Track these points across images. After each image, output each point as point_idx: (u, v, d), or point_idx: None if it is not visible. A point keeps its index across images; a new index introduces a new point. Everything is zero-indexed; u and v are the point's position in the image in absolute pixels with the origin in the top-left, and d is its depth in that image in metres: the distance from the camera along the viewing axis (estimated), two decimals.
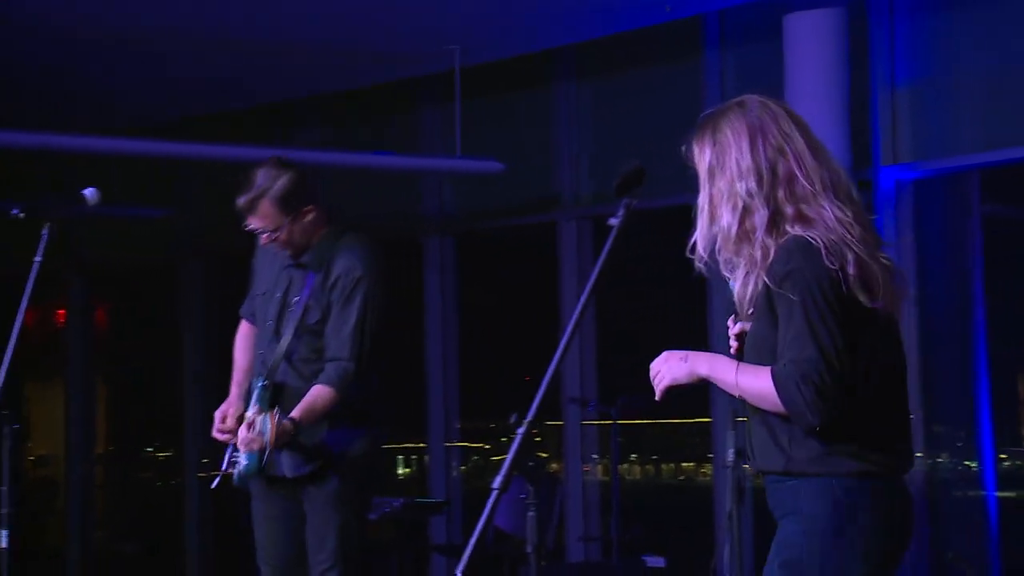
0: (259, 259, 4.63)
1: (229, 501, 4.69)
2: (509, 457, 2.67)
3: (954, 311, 7.07)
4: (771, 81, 6.75)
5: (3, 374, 3.67)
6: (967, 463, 7.11)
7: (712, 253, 2.96)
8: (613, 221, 2.91)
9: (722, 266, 2.96)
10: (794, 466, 2.85)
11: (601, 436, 7.95)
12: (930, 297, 6.89)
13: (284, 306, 4.44)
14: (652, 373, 2.94)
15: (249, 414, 4.39)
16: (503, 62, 7.92)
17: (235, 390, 4.56)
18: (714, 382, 2.89)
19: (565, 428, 7.99)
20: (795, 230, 2.87)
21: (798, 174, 2.90)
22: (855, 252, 2.85)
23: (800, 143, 2.94)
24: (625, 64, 7.84)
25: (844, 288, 2.81)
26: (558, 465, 8.15)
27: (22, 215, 3.90)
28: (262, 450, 4.31)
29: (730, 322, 3.03)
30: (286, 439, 4.30)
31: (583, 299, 2.86)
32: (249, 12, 6.99)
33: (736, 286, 2.94)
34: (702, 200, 2.97)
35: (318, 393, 4.35)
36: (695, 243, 2.98)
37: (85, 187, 3.98)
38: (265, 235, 4.40)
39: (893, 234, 6.84)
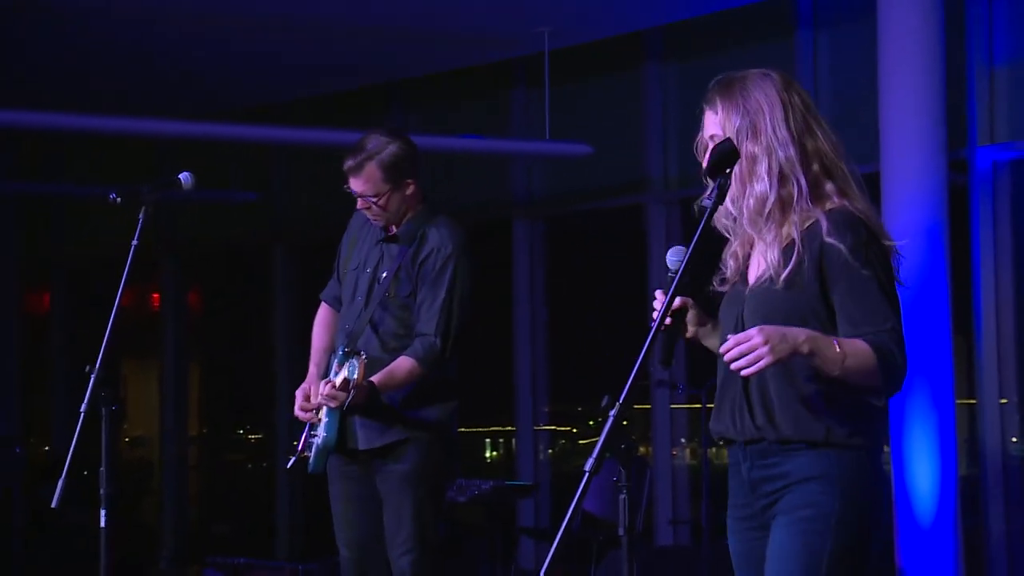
0: (348, 240, 4.63)
1: (319, 482, 4.70)
2: (601, 439, 2.65)
3: None
4: (865, 60, 6.66)
5: (102, 355, 3.72)
6: None
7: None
8: (706, 202, 2.87)
9: (747, 225, 2.93)
10: (834, 437, 2.86)
11: (690, 419, 7.91)
12: None
13: (374, 280, 4.42)
14: (746, 348, 2.77)
15: (324, 382, 4.39)
16: (592, 44, 7.89)
17: (314, 370, 4.54)
18: (812, 359, 2.83)
19: (653, 411, 7.97)
20: (840, 203, 2.90)
21: (829, 152, 2.93)
22: (886, 239, 2.93)
23: (824, 125, 2.97)
24: (715, 45, 7.77)
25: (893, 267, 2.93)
26: (646, 449, 8.13)
27: (119, 200, 3.94)
28: (341, 408, 4.28)
29: (659, 294, 2.92)
30: (361, 399, 4.25)
31: (675, 282, 2.83)
32: None
33: (763, 252, 2.92)
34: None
35: (400, 363, 4.32)
36: (714, 196, 2.87)
37: (180, 171, 4.01)
38: (363, 200, 4.39)
39: (990, 215, 6.72)
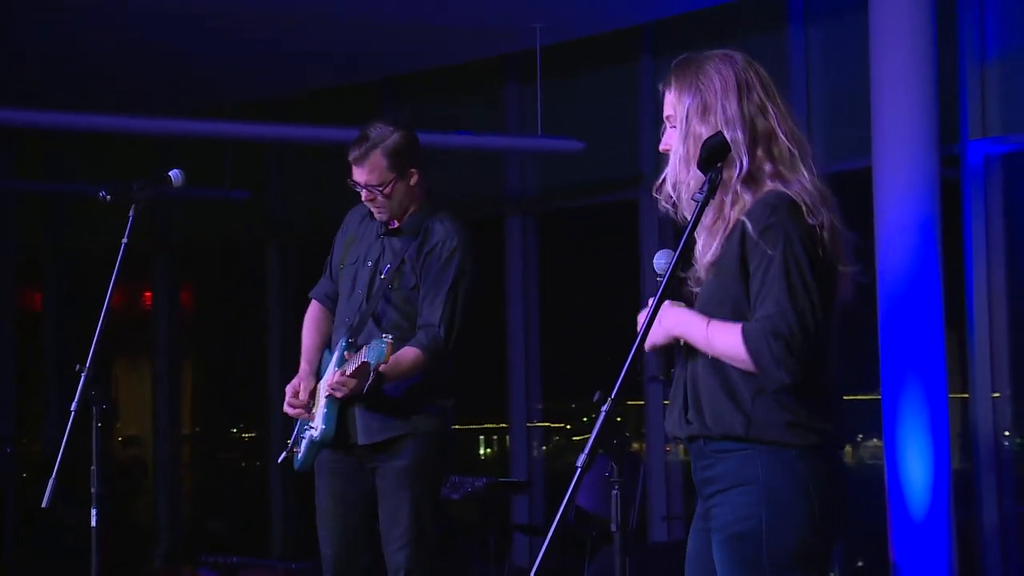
0: (343, 237, 4.63)
1: (312, 480, 4.69)
2: (593, 435, 2.65)
3: None
4: (857, 55, 6.66)
5: (92, 354, 3.71)
6: None
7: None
8: (698, 196, 2.86)
9: (684, 207, 2.88)
10: (754, 431, 2.78)
11: None
12: (1019, 273, 6.76)
13: (375, 273, 4.42)
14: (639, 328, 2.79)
15: (330, 374, 4.38)
16: (585, 40, 7.88)
17: (306, 367, 4.53)
18: (685, 340, 2.84)
19: (647, 407, 7.96)
20: (774, 185, 2.84)
21: (779, 134, 2.87)
22: (831, 215, 2.83)
23: (781, 106, 2.90)
24: (707, 40, 7.72)
25: (821, 250, 2.80)
26: (640, 445, 8.12)
27: (109, 197, 3.92)
28: (342, 399, 4.29)
29: (652, 302, 2.82)
30: (363, 383, 4.24)
31: (666, 277, 2.82)
32: None
33: (701, 238, 2.88)
34: (676, 141, 2.91)
35: (405, 352, 4.30)
36: (663, 182, 2.92)
37: (171, 169, 4.00)
38: (368, 192, 4.39)
39: (982, 209, 6.72)
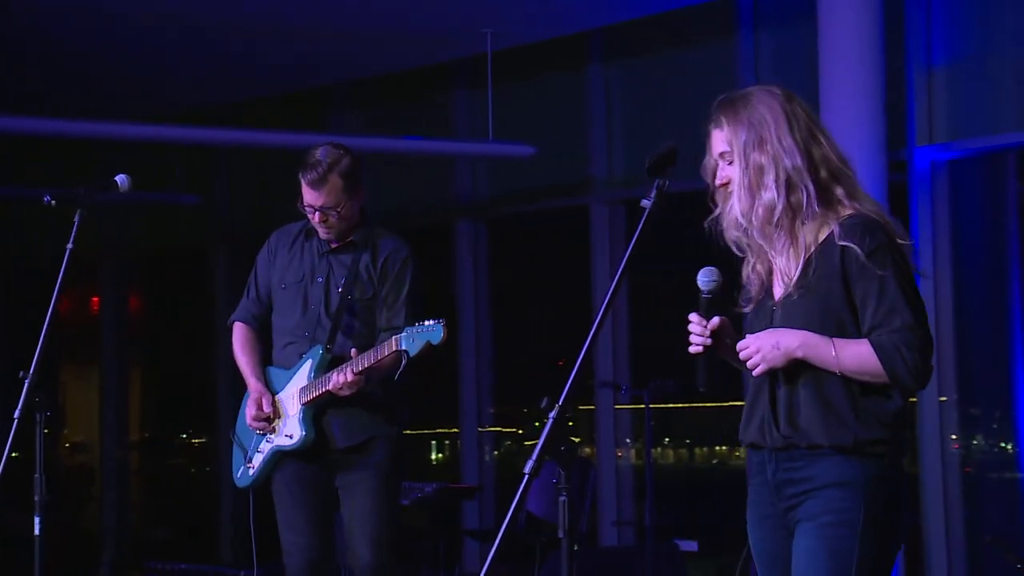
0: (267, 258, 4.73)
1: (264, 487, 4.68)
2: (540, 441, 2.65)
3: (990, 292, 7.01)
4: (805, 61, 6.70)
5: (37, 361, 3.68)
6: (1003, 445, 7.06)
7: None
8: (645, 203, 2.91)
9: (756, 234, 3.02)
10: (860, 443, 2.93)
11: (634, 420, 7.93)
12: (965, 278, 6.83)
13: (328, 288, 4.56)
14: (746, 354, 2.98)
15: (301, 383, 4.51)
16: (535, 45, 7.89)
17: (258, 383, 4.64)
18: (809, 360, 2.95)
19: (597, 412, 7.98)
20: (852, 207, 2.98)
21: (833, 159, 3.02)
22: (904, 239, 2.99)
23: (824, 131, 3.05)
24: (658, 46, 7.80)
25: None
26: (591, 449, 8.14)
27: (54, 202, 3.90)
28: (317, 407, 4.43)
29: (695, 317, 3.04)
30: (354, 389, 4.37)
31: (615, 282, 2.84)
32: None
33: (778, 263, 3.00)
34: (737, 173, 3.03)
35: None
36: (727, 212, 3.05)
37: (116, 174, 3.98)
38: (321, 213, 4.50)
39: (929, 214, 6.78)
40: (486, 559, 2.61)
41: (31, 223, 9.94)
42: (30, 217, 9.87)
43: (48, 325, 3.73)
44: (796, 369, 2.97)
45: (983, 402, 7.03)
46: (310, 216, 4.54)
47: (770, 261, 3.06)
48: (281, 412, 4.57)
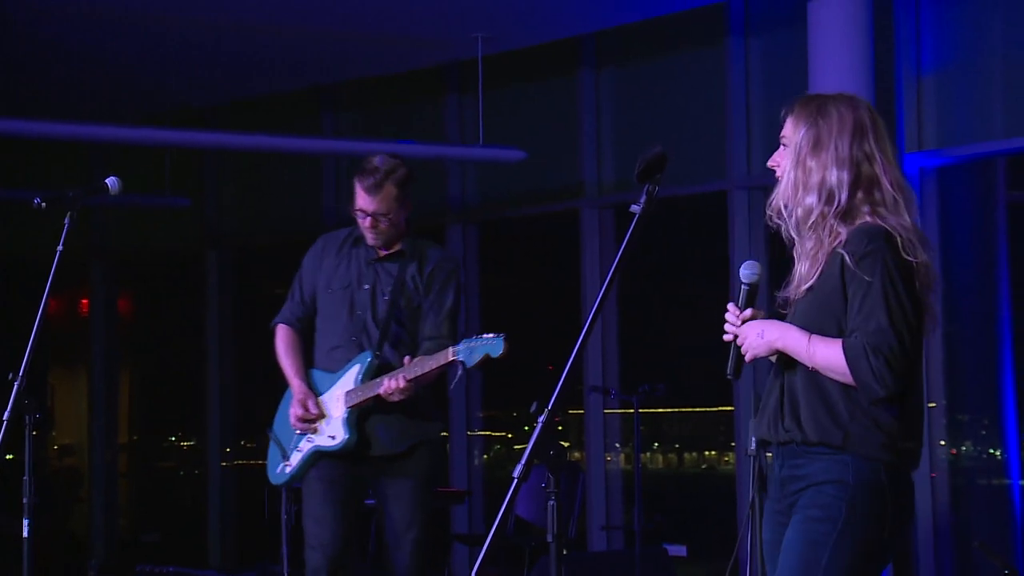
0: (312, 263, 4.81)
1: (253, 489, 4.71)
2: (530, 446, 2.66)
3: (979, 299, 7.03)
4: (795, 68, 6.72)
5: (26, 363, 3.68)
6: (991, 451, 7.08)
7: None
8: (635, 208, 2.92)
9: (793, 230, 3.09)
10: (851, 444, 2.96)
11: (623, 425, 7.94)
12: (955, 285, 6.85)
13: (376, 295, 4.66)
14: (739, 341, 3.07)
15: (348, 386, 4.60)
16: (526, 50, 7.90)
17: (302, 384, 4.72)
18: (787, 352, 3.02)
19: (587, 417, 7.98)
20: (871, 219, 3.02)
21: (884, 182, 3.06)
22: (928, 257, 3.04)
23: (890, 156, 3.10)
24: (648, 52, 7.81)
25: (917, 283, 3.00)
26: (580, 454, 8.14)
27: (44, 204, 3.90)
28: (361, 411, 4.55)
29: (731, 307, 3.13)
30: (404, 396, 4.47)
31: (604, 287, 2.84)
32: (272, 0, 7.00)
33: (802, 262, 3.08)
34: (789, 165, 3.10)
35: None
36: (774, 199, 3.12)
37: (107, 176, 3.99)
38: (372, 219, 4.61)
39: (918, 221, 6.79)
40: (475, 563, 2.61)
41: (21, 225, 9.93)
42: (20, 219, 9.86)
43: (37, 327, 3.73)
44: (798, 366, 3.03)
45: (972, 408, 7.05)
46: (361, 220, 4.65)
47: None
48: (325, 413, 4.67)
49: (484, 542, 2.59)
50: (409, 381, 4.47)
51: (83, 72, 8.24)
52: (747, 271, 3.12)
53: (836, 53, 6.41)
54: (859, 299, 2.96)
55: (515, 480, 2.62)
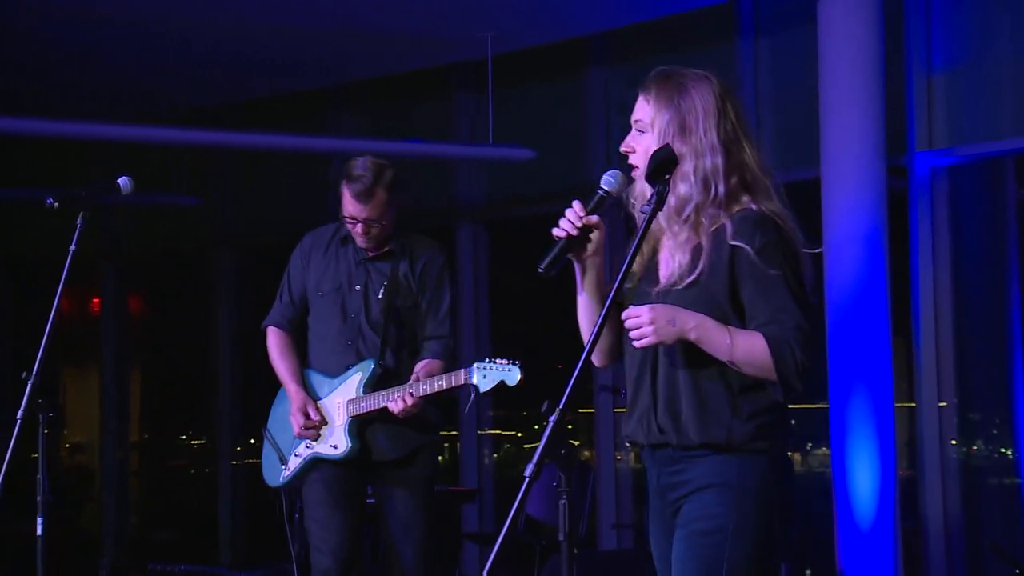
0: (300, 264, 4.74)
1: (263, 489, 4.71)
2: (541, 445, 2.66)
3: (989, 298, 7.02)
4: (805, 67, 6.71)
5: (39, 362, 3.69)
6: (1002, 450, 7.07)
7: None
8: (645, 209, 2.90)
9: (662, 220, 2.95)
10: (735, 440, 2.88)
11: None
12: (965, 284, 6.84)
13: (368, 298, 4.61)
14: (634, 323, 2.86)
15: (349, 394, 4.56)
16: (535, 49, 7.90)
17: (300, 389, 4.67)
18: (700, 345, 2.87)
19: (597, 416, 7.98)
20: (748, 205, 2.92)
21: (752, 166, 2.95)
22: (802, 244, 2.93)
23: (750, 134, 2.98)
24: (658, 51, 7.80)
25: (805, 272, 2.93)
26: (590, 453, 8.14)
27: (56, 204, 3.90)
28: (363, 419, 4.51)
29: (577, 204, 2.97)
30: (412, 412, 4.44)
31: (615, 286, 2.84)
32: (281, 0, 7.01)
33: (672, 252, 2.95)
34: (642, 149, 2.97)
35: (433, 365, 4.56)
36: (637, 188, 2.99)
37: (119, 176, 3.99)
38: (363, 225, 4.55)
39: (929, 220, 6.80)
40: (486, 562, 2.62)
41: (33, 225, 9.96)
42: (32, 219, 9.89)
43: (51, 326, 3.74)
44: (675, 361, 2.91)
45: (983, 407, 7.04)
46: (351, 227, 4.60)
47: (655, 244, 3.01)
48: (327, 419, 4.62)
49: (495, 541, 2.60)
50: (418, 399, 4.43)
51: (92, 72, 8.25)
52: (610, 179, 2.95)
53: (846, 53, 6.40)
54: (764, 293, 2.86)
55: (526, 479, 2.62)
